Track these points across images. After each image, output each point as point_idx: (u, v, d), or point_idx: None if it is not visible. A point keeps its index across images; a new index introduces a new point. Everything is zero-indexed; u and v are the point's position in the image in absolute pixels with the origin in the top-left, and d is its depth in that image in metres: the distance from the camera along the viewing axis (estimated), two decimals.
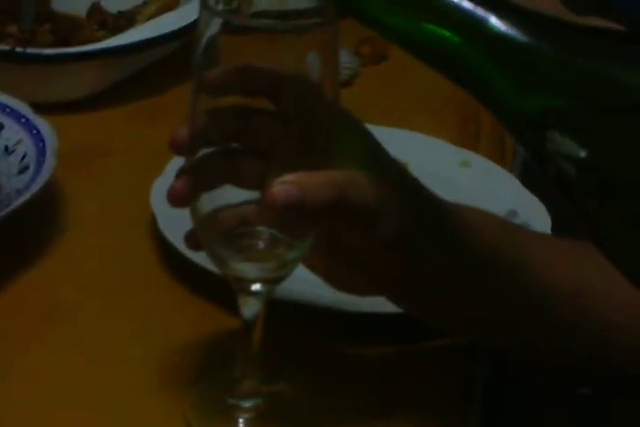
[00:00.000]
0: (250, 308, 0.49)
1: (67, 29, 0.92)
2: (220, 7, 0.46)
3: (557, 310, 0.54)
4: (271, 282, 0.49)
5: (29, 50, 0.81)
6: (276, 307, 0.51)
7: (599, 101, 0.37)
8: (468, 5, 0.38)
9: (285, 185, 0.44)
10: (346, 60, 0.95)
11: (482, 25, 0.38)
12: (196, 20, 0.46)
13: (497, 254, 0.52)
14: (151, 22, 0.90)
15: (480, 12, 0.38)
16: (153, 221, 0.65)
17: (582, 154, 0.36)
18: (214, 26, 0.44)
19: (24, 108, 0.71)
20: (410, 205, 0.49)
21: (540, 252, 0.55)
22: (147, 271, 0.63)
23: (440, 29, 0.39)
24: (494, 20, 0.38)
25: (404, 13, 0.40)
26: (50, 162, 0.65)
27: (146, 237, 0.66)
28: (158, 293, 0.61)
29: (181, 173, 0.49)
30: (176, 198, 0.49)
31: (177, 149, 0.48)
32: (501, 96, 0.39)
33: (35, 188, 0.62)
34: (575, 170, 0.37)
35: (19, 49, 0.81)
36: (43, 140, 0.67)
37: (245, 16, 0.47)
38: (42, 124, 0.69)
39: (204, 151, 0.47)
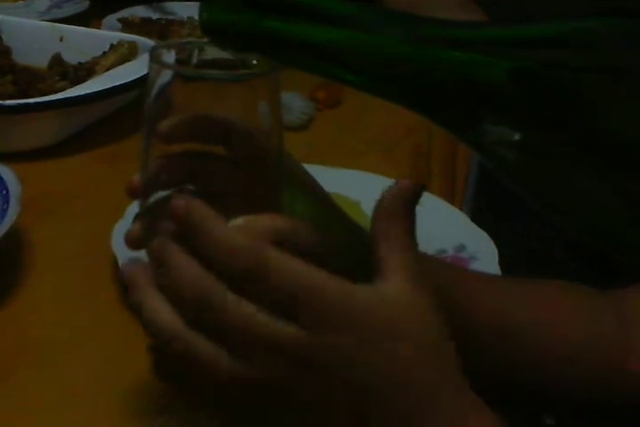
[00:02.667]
0: None
1: (28, 81, 0.95)
2: (173, 55, 0.48)
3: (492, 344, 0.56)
4: None
5: None
6: None
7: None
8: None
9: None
10: (302, 105, 0.98)
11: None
12: None
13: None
14: (110, 73, 0.92)
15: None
16: (115, 262, 0.67)
17: (516, 136, 0.39)
18: (165, 76, 0.46)
19: None
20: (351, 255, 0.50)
21: (472, 290, 0.57)
22: (109, 310, 0.65)
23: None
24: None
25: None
26: (14, 208, 0.67)
27: (108, 278, 0.68)
28: (121, 331, 0.63)
29: (137, 216, 0.51)
30: (132, 241, 0.51)
31: (132, 193, 0.51)
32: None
33: None
34: (514, 152, 0.39)
35: None
36: (6, 188, 0.69)
37: (195, 65, 0.49)
38: (5, 171, 0.71)
39: (158, 194, 0.49)
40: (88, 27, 1.12)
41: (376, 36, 0.42)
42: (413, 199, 0.46)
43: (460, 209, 0.83)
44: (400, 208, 0.46)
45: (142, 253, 0.49)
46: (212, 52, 0.49)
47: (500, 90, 0.40)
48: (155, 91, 0.47)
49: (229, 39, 0.46)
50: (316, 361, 0.42)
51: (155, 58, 0.47)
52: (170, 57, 0.48)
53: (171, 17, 1.24)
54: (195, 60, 0.49)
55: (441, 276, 0.55)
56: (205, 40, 0.48)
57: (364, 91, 0.45)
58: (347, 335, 0.42)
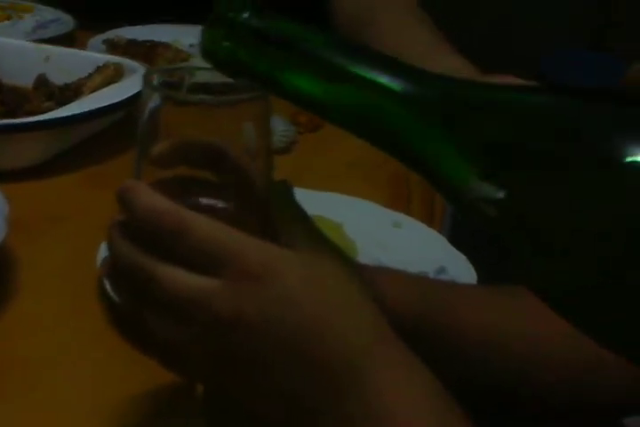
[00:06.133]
0: None
1: (14, 101, 0.96)
2: (162, 79, 0.50)
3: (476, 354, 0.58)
4: None
5: None
6: None
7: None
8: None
9: None
10: (283, 128, 1.00)
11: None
12: (139, 92, 0.50)
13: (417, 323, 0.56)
14: (96, 94, 0.94)
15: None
16: (100, 282, 0.68)
17: (501, 195, 0.40)
18: (156, 99, 0.48)
19: None
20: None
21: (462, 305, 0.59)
22: (96, 329, 0.66)
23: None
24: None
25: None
26: (1, 228, 0.68)
27: (94, 297, 0.69)
28: (108, 349, 0.64)
29: None
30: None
31: None
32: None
33: None
34: (496, 211, 0.40)
35: None
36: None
37: (185, 89, 0.50)
38: None
39: None
40: (73, 48, 1.13)
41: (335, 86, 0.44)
42: None
43: (439, 232, 0.85)
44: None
45: None
46: (204, 77, 0.51)
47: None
48: (146, 114, 0.49)
49: (217, 65, 0.48)
50: (243, 317, 0.44)
51: (147, 82, 0.48)
52: (161, 81, 0.50)
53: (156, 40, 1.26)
54: (186, 84, 0.50)
55: (428, 298, 0.57)
56: (195, 65, 0.49)
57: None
58: (267, 292, 0.44)
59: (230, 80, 0.49)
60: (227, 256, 0.44)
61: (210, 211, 0.48)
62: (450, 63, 1.17)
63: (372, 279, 0.53)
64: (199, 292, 0.44)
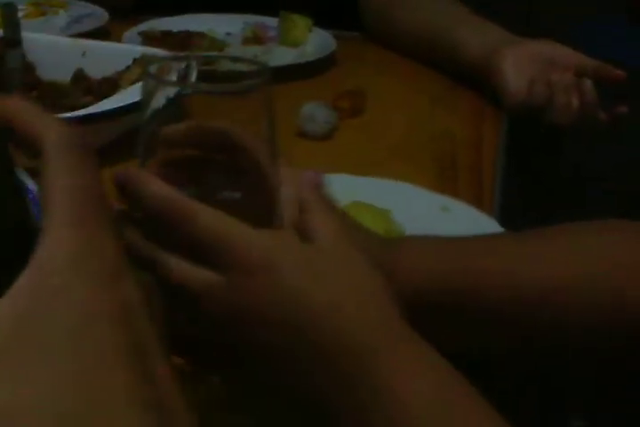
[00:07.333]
0: None
1: (53, 96, 0.95)
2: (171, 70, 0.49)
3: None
4: None
5: None
6: None
7: None
8: None
9: None
10: (325, 114, 0.98)
11: None
12: None
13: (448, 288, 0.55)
14: (135, 86, 0.93)
15: None
16: None
17: None
18: (160, 90, 0.47)
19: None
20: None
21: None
22: None
23: None
24: None
25: None
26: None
27: None
28: None
29: None
30: None
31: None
32: None
33: None
34: None
35: None
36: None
37: (193, 78, 0.50)
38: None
39: None
40: (108, 41, 1.13)
41: None
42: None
43: (489, 215, 0.83)
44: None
45: None
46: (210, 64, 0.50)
47: None
48: (151, 106, 0.48)
49: None
50: (248, 304, 0.44)
51: (151, 75, 0.48)
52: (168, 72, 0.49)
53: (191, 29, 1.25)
54: (193, 72, 0.50)
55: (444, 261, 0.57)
56: (230, 53, 0.48)
57: None
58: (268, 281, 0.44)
59: (235, 68, 0.49)
60: (230, 248, 0.45)
61: (217, 198, 0.48)
62: (489, 27, 1.17)
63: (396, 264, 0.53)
64: (207, 286, 0.45)
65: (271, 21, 1.30)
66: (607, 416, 0.64)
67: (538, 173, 1.40)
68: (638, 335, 0.56)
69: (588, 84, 1.06)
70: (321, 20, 1.29)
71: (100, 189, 0.33)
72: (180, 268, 0.45)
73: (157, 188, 0.45)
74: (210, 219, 0.45)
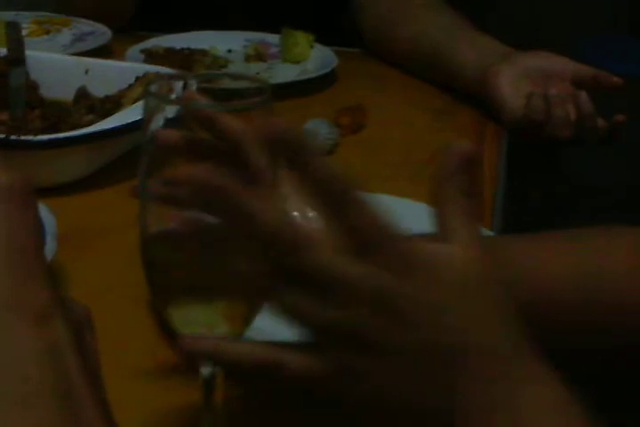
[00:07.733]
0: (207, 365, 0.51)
1: (56, 115, 0.96)
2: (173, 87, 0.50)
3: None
4: None
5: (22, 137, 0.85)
6: None
7: None
8: None
9: None
10: (327, 130, 0.99)
11: None
12: None
13: None
14: (137, 104, 0.93)
15: None
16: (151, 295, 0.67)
17: None
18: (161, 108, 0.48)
19: None
20: None
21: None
22: (145, 344, 0.65)
23: None
24: None
25: None
26: (50, 245, 0.68)
27: (143, 311, 0.68)
28: (158, 364, 0.63)
29: None
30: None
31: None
32: None
33: None
34: None
35: (13, 136, 0.84)
36: (42, 226, 0.70)
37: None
38: (40, 208, 0.71)
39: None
40: (111, 59, 1.13)
41: None
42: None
43: (491, 230, 0.83)
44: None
45: None
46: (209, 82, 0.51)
47: None
48: (153, 124, 0.48)
49: None
50: (406, 311, 0.46)
51: (151, 92, 0.49)
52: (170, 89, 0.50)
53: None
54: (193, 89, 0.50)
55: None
56: (232, 70, 0.49)
57: None
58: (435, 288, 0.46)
59: (235, 86, 0.50)
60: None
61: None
62: (485, 41, 1.18)
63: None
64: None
65: (273, 38, 1.31)
66: (607, 416, 0.64)
67: (537, 185, 1.40)
68: (638, 335, 0.56)
69: (583, 95, 1.07)
70: (321, 37, 1.30)
71: (36, 236, 0.36)
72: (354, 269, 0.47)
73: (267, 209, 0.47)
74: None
